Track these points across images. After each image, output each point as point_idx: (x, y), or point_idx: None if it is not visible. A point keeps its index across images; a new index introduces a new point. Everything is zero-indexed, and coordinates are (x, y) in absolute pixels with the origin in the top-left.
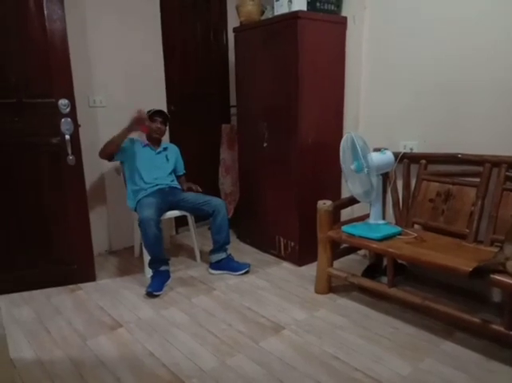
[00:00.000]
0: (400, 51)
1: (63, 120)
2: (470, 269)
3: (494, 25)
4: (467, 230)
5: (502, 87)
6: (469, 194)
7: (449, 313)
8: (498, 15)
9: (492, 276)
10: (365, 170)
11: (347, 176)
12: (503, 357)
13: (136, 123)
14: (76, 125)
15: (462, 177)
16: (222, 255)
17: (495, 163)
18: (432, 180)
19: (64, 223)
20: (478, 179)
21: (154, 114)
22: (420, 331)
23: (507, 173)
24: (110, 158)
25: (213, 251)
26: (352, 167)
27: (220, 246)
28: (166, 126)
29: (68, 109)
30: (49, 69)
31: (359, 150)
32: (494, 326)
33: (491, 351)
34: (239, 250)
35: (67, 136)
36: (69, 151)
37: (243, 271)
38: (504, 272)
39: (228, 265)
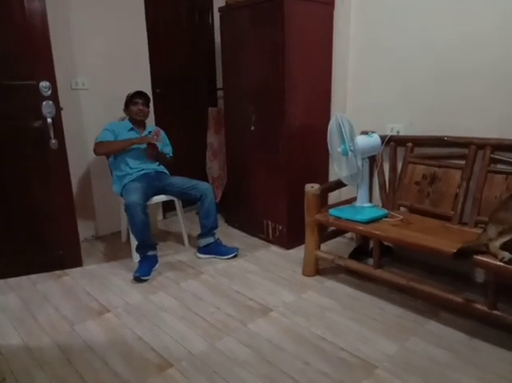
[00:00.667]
0: (389, 33)
1: (44, 103)
2: (455, 250)
3: (484, 11)
4: (452, 212)
5: (490, 72)
6: (454, 176)
7: (434, 294)
8: (489, 1)
9: (475, 257)
10: (349, 153)
11: (334, 159)
12: (487, 335)
13: (147, 141)
14: (58, 108)
15: (447, 160)
16: (210, 240)
17: (480, 145)
18: (418, 163)
19: (49, 208)
20: (463, 162)
21: (134, 96)
22: (406, 311)
23: (492, 155)
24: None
25: (201, 236)
26: (339, 149)
27: (208, 230)
28: (148, 107)
29: (49, 92)
30: (28, 50)
31: (344, 132)
32: (478, 306)
33: (475, 330)
34: (227, 234)
35: (49, 120)
36: (52, 134)
37: (231, 255)
38: (487, 253)
39: (216, 249)
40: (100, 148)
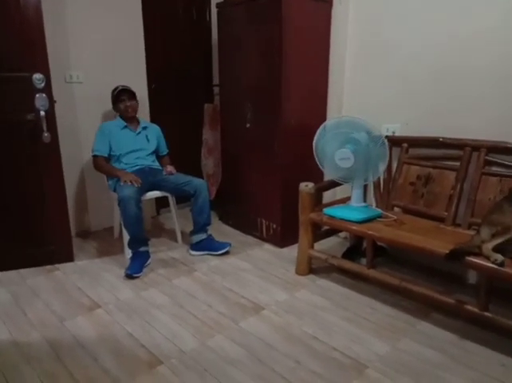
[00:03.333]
0: (385, 34)
1: (37, 95)
2: (447, 251)
3: (481, 12)
4: (446, 214)
5: (486, 73)
6: (449, 177)
7: (426, 295)
8: (484, 2)
9: (468, 258)
10: (382, 139)
11: (326, 161)
12: (478, 336)
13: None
14: (52, 101)
15: (442, 161)
16: (203, 236)
17: (475, 147)
18: (413, 164)
19: (41, 202)
20: (458, 163)
21: (118, 94)
22: (398, 312)
23: (486, 157)
24: None
25: (193, 232)
26: (346, 149)
27: (201, 227)
28: (135, 100)
29: (42, 84)
30: (22, 41)
31: (365, 125)
32: (470, 307)
33: (466, 331)
34: (221, 231)
35: (42, 113)
36: (45, 127)
37: (224, 250)
38: (480, 255)
39: (208, 245)
40: (97, 167)
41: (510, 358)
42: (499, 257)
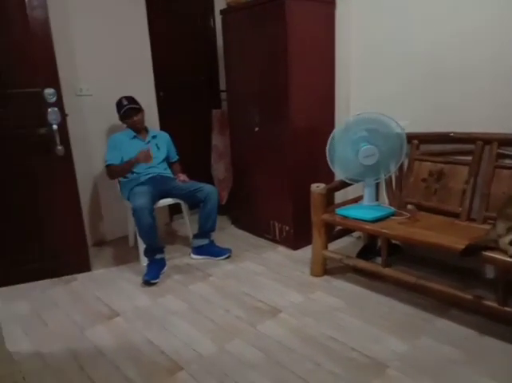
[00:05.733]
0: (391, 31)
1: (50, 109)
2: (463, 247)
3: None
4: (460, 209)
5: (491, 67)
6: (461, 172)
7: (443, 291)
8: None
9: (485, 253)
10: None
11: (340, 160)
12: (497, 332)
13: (144, 160)
14: (64, 115)
15: (454, 156)
16: (205, 241)
17: (487, 140)
18: (424, 160)
19: (56, 214)
20: (470, 158)
21: (126, 111)
22: (415, 310)
23: (498, 150)
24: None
25: (196, 236)
26: (366, 147)
27: (205, 232)
28: (142, 112)
29: (54, 99)
30: (32, 57)
31: (382, 120)
32: (488, 302)
33: (485, 327)
34: (234, 235)
35: (54, 126)
36: (58, 141)
37: (224, 257)
38: (496, 249)
39: (209, 250)
40: (112, 174)
41: None
42: None
